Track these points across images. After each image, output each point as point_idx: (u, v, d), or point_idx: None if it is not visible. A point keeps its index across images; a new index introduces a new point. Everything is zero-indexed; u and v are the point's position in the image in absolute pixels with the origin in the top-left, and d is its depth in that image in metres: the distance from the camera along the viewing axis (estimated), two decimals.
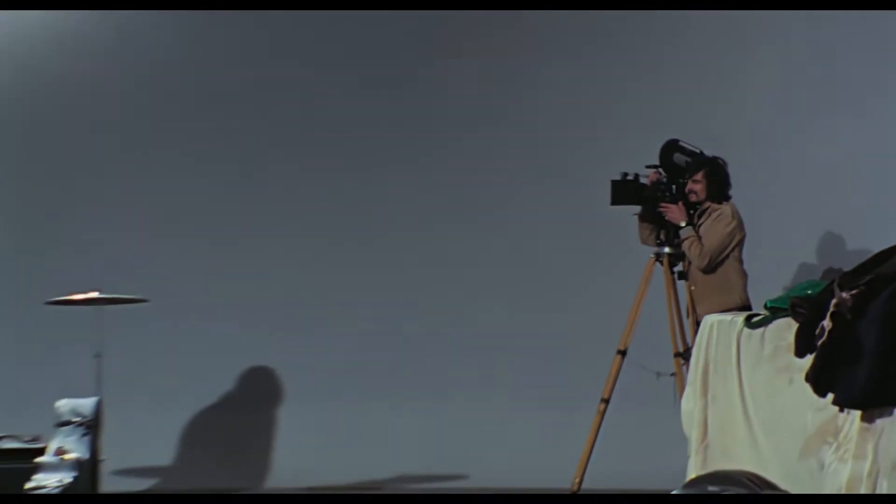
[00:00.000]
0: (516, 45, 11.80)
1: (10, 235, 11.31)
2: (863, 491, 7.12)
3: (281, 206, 11.74)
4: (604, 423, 10.00)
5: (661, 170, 9.95)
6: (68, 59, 11.75)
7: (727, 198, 9.84)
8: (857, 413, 7.14)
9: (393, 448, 11.13)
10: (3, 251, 11.23)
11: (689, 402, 8.04)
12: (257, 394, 11.64)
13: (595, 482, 10.01)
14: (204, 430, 11.50)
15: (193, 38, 11.80)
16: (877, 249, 7.34)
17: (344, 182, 11.77)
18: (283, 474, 11.24)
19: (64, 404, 7.94)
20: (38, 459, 7.58)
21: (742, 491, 6.68)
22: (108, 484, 8.73)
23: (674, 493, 6.72)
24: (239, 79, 11.86)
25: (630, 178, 9.92)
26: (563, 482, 10.11)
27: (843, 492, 7.16)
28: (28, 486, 7.30)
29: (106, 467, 8.39)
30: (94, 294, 8.76)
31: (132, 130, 11.73)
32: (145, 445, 10.93)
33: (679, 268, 9.93)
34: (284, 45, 11.92)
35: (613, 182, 9.91)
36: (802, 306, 7.43)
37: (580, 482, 10.01)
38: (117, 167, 11.59)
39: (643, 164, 9.98)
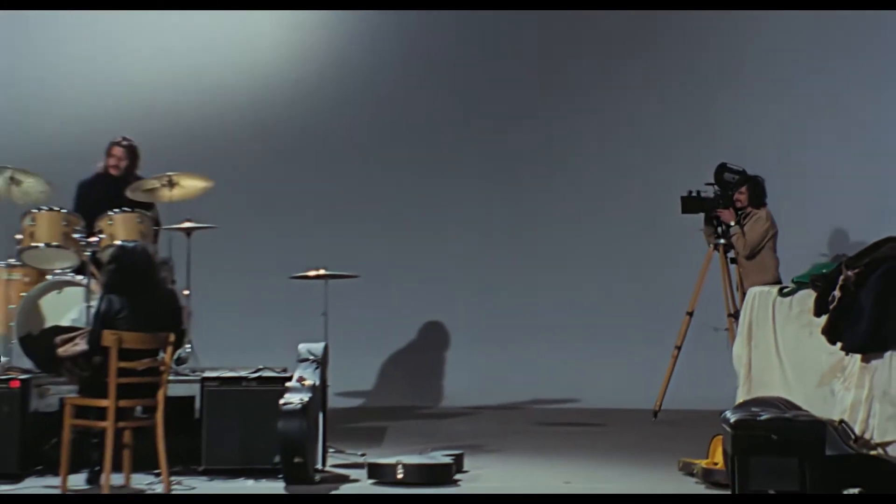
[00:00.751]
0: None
1: (267, 229, 11.23)
2: (861, 413, 7.10)
3: (453, 202, 11.61)
4: (677, 364, 10.00)
5: (716, 185, 9.96)
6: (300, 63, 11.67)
7: (764, 204, 9.80)
8: (858, 356, 7.12)
9: (528, 378, 10.99)
10: (263, 242, 11.13)
11: (738, 348, 7.97)
12: (433, 339, 11.54)
13: (671, 404, 10.03)
14: (397, 365, 11.45)
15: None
16: (872, 240, 7.33)
17: (494, 185, 11.66)
18: (451, 397, 11.20)
19: (303, 347, 7.75)
20: (287, 384, 7.48)
21: (775, 411, 6.55)
22: (333, 402, 8.67)
23: (726, 412, 6.62)
24: (449, 94, 11.70)
25: (694, 194, 9.93)
26: (648, 404, 10.11)
27: (848, 412, 7.14)
28: (281, 401, 7.23)
29: (331, 390, 8.26)
30: (322, 271, 8.63)
31: (357, 142, 11.67)
32: (357, 376, 10.95)
33: (731, 255, 9.89)
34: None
35: (682, 197, 9.92)
36: (819, 280, 7.40)
37: (660, 405, 10.04)
38: (339, 172, 11.54)
39: (703, 181, 9.96)
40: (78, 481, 7.22)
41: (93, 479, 7.24)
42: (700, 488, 7.13)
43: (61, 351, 7.46)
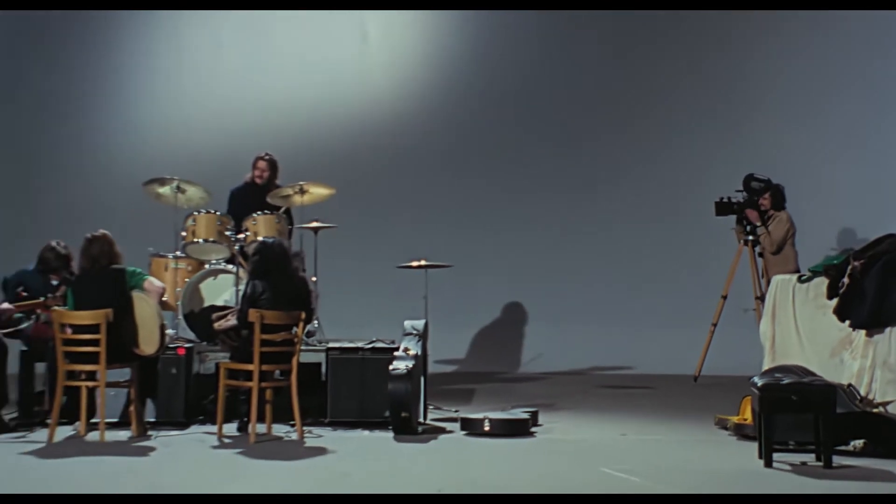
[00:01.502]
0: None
1: (378, 227, 11.23)
2: (865, 378, 7.05)
3: (532, 204, 11.49)
4: (713, 338, 9.94)
5: (744, 191, 9.91)
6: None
7: (784, 208, 9.73)
8: (863, 332, 7.10)
9: (591, 349, 10.89)
10: (375, 238, 11.09)
11: (764, 325, 7.93)
12: (514, 317, 11.46)
13: (708, 371, 9.96)
14: (484, 338, 11.37)
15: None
16: (875, 237, 7.29)
17: (567, 190, 11.51)
18: (528, 364, 11.11)
19: (408, 323, 7.82)
20: (395, 354, 7.50)
21: (794, 377, 6.51)
22: (432, 368, 8.55)
23: (754, 377, 6.57)
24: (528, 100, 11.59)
25: (725, 199, 9.89)
26: (689, 371, 10.04)
27: (854, 377, 7.09)
28: (390, 367, 7.26)
29: (430, 358, 8.13)
30: (423, 261, 8.50)
31: (451, 154, 11.57)
32: (451, 346, 10.90)
33: (758, 249, 9.82)
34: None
35: (716, 203, 9.88)
36: (831, 270, 7.38)
37: (699, 371, 9.98)
38: (436, 179, 11.50)
39: (734, 188, 9.91)
40: (230, 429, 7.34)
41: (242, 428, 7.36)
42: (733, 440, 7.11)
43: (216, 325, 7.63)
